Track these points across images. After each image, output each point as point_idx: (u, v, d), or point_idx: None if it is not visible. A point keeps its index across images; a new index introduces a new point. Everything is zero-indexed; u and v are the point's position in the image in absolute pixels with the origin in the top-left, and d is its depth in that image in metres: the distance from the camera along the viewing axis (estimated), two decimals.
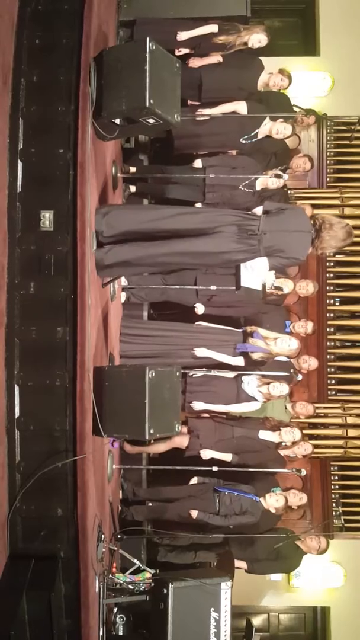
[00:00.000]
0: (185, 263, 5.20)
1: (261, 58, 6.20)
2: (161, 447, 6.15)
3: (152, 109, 4.47)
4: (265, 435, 6.04)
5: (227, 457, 5.91)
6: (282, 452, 6.22)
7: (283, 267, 5.74)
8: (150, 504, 6.11)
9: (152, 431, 4.44)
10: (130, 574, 5.22)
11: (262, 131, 6.11)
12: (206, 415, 6.09)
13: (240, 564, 5.97)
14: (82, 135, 4.55)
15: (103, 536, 4.81)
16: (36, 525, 4.40)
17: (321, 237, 4.87)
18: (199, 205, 6.14)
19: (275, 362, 6.03)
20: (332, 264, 7.46)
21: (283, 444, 6.15)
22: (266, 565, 6.20)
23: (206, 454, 5.88)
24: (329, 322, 7.45)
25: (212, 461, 5.85)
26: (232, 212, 5.10)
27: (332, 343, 7.48)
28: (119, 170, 5.98)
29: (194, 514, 5.66)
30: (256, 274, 5.12)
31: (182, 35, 6.01)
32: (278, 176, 5.94)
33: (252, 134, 6.10)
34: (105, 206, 5.09)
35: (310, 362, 6.54)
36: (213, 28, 6.02)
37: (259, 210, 5.06)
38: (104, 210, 4.95)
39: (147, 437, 4.50)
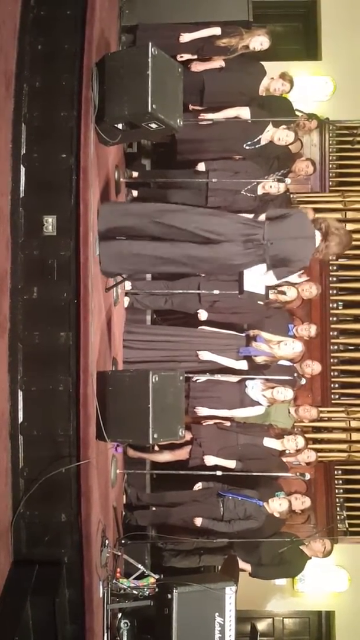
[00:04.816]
0: (189, 269, 5.19)
1: (263, 63, 6.21)
2: (164, 457, 6.14)
3: (154, 114, 4.48)
4: (269, 442, 6.04)
5: (231, 464, 5.90)
6: (286, 460, 6.22)
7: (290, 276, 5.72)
8: (154, 509, 6.10)
9: (155, 436, 4.44)
10: (134, 579, 5.20)
11: (265, 137, 6.11)
12: (210, 422, 6.08)
13: (244, 565, 5.95)
14: (84, 140, 4.56)
15: (107, 541, 4.80)
16: (40, 530, 4.40)
17: (328, 243, 4.85)
18: None
19: (279, 367, 6.02)
20: (335, 267, 7.46)
21: (287, 451, 6.14)
22: (270, 570, 6.18)
23: (210, 460, 5.86)
24: (332, 326, 7.45)
25: (216, 466, 5.84)
26: (237, 218, 5.08)
27: (336, 347, 7.47)
28: (122, 175, 5.99)
29: (198, 521, 5.65)
30: (259, 278, 5.12)
31: (185, 37, 6.01)
32: (280, 181, 5.94)
33: (255, 140, 6.10)
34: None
35: (313, 367, 6.53)
36: (216, 31, 6.02)
37: (263, 218, 5.06)
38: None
39: (150, 442, 4.51)
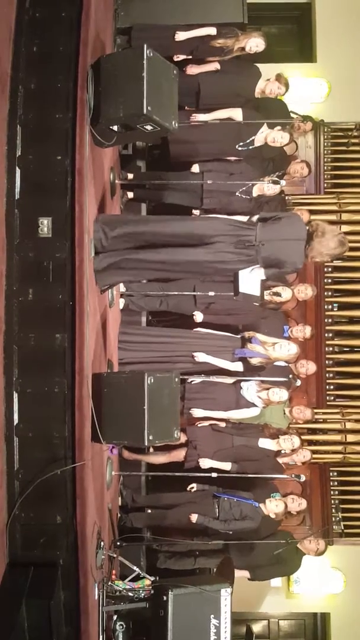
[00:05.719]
0: (181, 272, 5.21)
1: (258, 65, 6.22)
2: (159, 459, 6.13)
3: (149, 116, 4.49)
4: (264, 443, 6.04)
5: (227, 466, 5.90)
6: (281, 460, 6.22)
7: (282, 276, 5.74)
8: (149, 511, 6.10)
9: (151, 437, 4.44)
10: (129, 581, 5.21)
11: (259, 139, 6.11)
12: (205, 423, 6.08)
13: (242, 573, 5.95)
14: (79, 142, 4.56)
15: (102, 543, 4.79)
16: (35, 532, 4.39)
17: (311, 246, 4.85)
18: (196, 212, 6.16)
19: (274, 368, 6.02)
20: (330, 269, 7.47)
21: (282, 451, 6.14)
22: (267, 570, 6.18)
23: (205, 463, 5.86)
24: (327, 328, 7.46)
25: (211, 468, 5.84)
26: (228, 221, 5.09)
27: (331, 348, 7.48)
28: (117, 177, 5.99)
29: (194, 518, 5.65)
30: (254, 279, 5.13)
31: (180, 35, 6.00)
32: (275, 182, 5.96)
33: (248, 141, 6.11)
34: (103, 216, 5.10)
35: (308, 367, 6.54)
36: (211, 30, 6.03)
37: (255, 220, 5.07)
38: (101, 219, 4.97)
39: (146, 444, 4.50)
